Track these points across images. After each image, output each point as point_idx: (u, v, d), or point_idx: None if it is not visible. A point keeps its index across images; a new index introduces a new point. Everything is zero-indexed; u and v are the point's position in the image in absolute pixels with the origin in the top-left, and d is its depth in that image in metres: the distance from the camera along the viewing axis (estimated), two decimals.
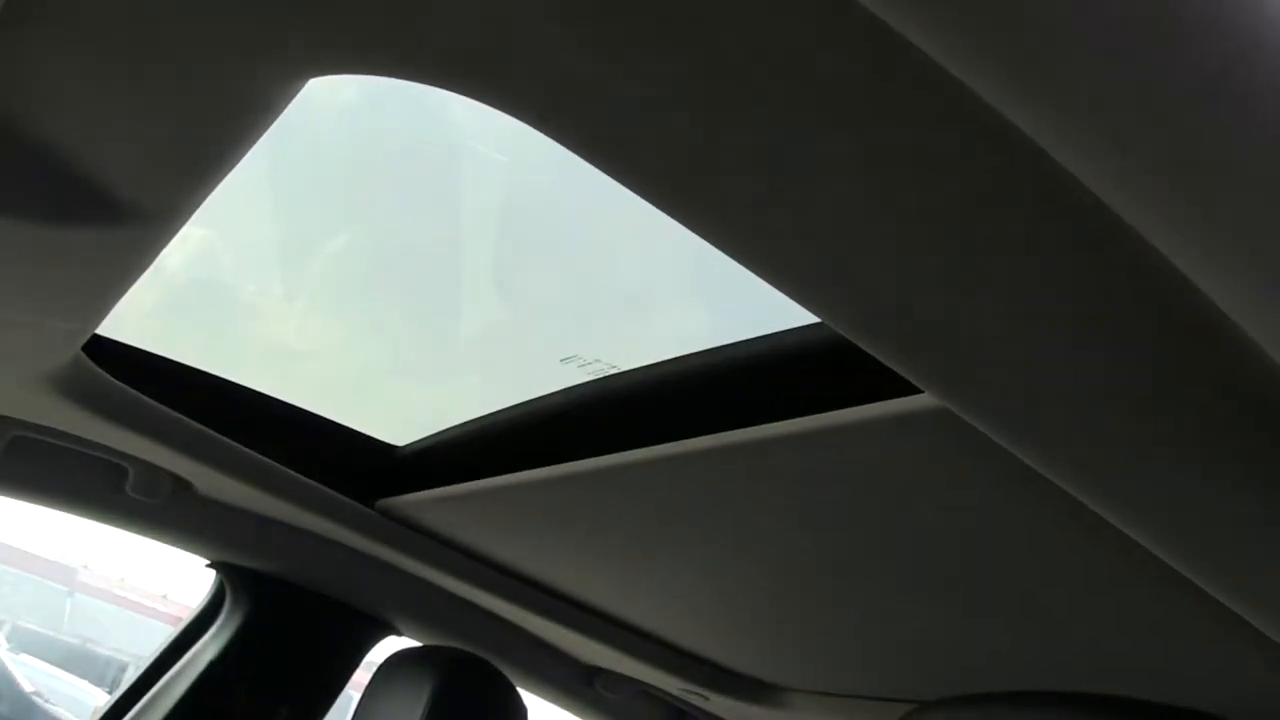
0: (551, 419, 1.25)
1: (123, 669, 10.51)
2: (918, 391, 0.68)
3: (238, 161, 0.71)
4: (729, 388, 1.03)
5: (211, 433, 1.32)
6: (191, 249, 1.24)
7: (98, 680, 9.90)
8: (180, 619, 1.77)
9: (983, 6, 0.36)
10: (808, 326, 0.90)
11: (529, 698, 1.60)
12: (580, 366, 1.14)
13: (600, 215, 1.19)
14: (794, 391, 0.98)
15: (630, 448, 1.14)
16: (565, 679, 1.82)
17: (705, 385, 1.04)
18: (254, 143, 0.69)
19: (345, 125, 1.15)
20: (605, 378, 1.15)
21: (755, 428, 0.88)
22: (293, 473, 1.40)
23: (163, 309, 1.39)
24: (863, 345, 0.63)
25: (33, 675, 8.37)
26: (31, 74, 0.66)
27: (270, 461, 1.37)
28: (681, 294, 1.28)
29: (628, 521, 1.24)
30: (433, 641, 1.75)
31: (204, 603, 1.69)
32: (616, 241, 1.27)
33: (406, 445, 1.51)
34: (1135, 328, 0.54)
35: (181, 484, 1.48)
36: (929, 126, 0.48)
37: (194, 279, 1.41)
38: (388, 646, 1.71)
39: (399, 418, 1.55)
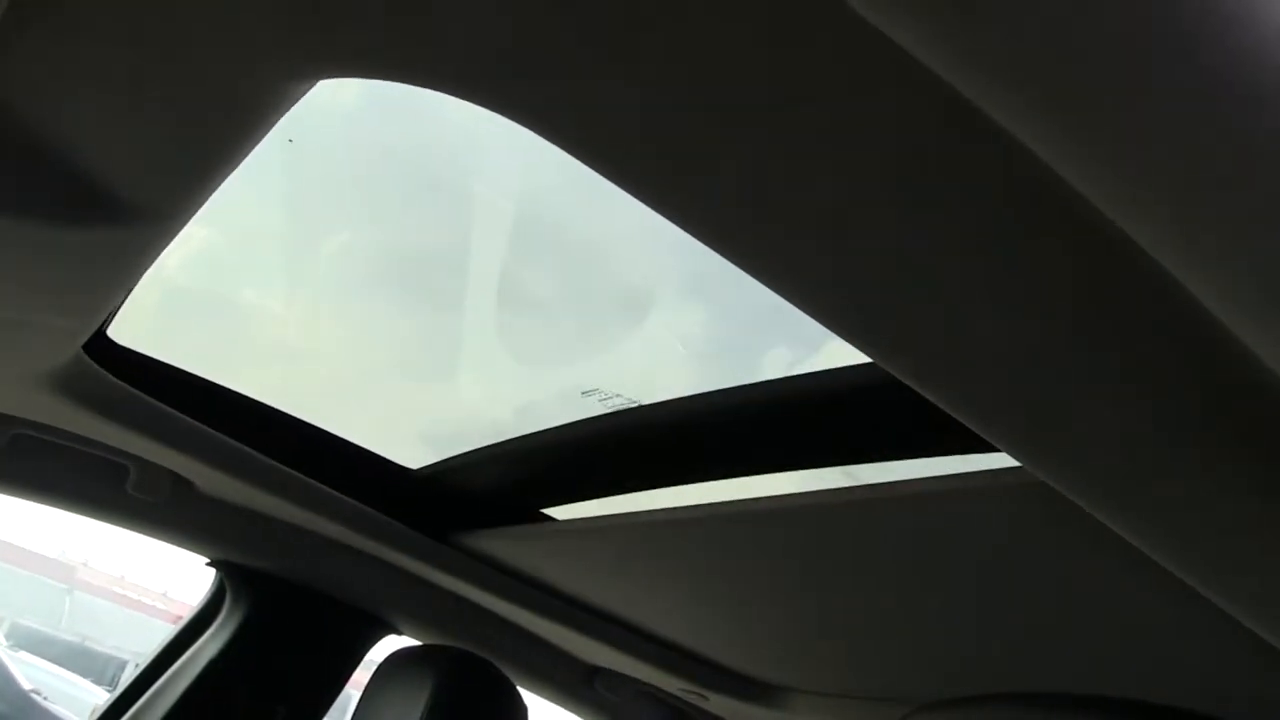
0: (566, 448, 1.25)
1: (122, 667, 10.51)
2: (916, 393, 0.68)
3: (240, 162, 0.71)
4: (748, 426, 1.04)
5: (212, 431, 1.32)
6: (192, 249, 1.24)
7: (97, 678, 9.90)
8: (180, 617, 1.77)
9: (988, 24, 0.36)
10: (825, 372, 0.92)
11: (529, 697, 1.60)
12: (601, 400, 1.13)
13: (628, 242, 1.18)
14: (810, 434, 1.00)
15: (643, 482, 1.14)
16: (565, 678, 1.82)
17: (725, 424, 1.05)
18: (257, 143, 0.69)
19: (351, 131, 1.14)
20: (621, 411, 1.14)
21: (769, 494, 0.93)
22: (293, 471, 1.40)
23: (164, 309, 1.39)
24: (876, 361, 0.64)
25: (31, 673, 8.35)
26: (34, 72, 0.65)
27: (270, 460, 1.38)
28: (708, 325, 1.27)
29: (635, 565, 1.26)
30: (433, 641, 1.75)
31: (204, 601, 1.70)
32: (650, 272, 1.26)
33: (419, 469, 1.51)
34: (1133, 336, 0.54)
35: (182, 483, 1.48)
36: (938, 143, 0.48)
37: (195, 280, 1.41)
38: (388, 645, 1.71)
39: (399, 426, 1.54)
